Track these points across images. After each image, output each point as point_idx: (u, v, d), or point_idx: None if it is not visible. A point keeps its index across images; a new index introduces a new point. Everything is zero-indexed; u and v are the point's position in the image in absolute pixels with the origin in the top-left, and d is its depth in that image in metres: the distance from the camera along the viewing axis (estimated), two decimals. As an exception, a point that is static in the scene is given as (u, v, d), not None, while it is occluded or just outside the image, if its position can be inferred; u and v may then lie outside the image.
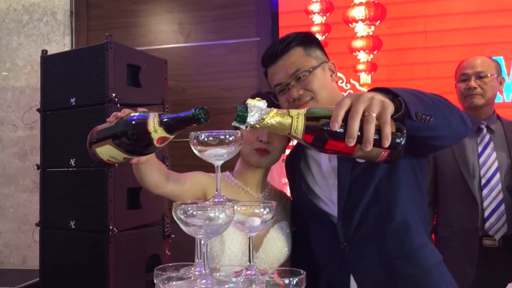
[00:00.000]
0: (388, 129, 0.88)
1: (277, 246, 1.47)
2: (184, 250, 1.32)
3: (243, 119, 0.90)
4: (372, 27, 3.28)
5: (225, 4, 3.60)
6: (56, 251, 2.74)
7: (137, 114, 1.08)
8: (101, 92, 2.57)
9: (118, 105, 2.56)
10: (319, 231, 1.48)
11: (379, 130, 0.88)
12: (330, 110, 0.90)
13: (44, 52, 2.89)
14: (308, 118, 0.91)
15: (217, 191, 0.99)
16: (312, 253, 1.50)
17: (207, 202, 0.97)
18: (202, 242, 0.93)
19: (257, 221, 0.97)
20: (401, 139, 0.91)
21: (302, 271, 0.98)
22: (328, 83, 1.48)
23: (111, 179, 2.54)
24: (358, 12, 3.31)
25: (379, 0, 3.28)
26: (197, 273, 0.96)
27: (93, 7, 3.85)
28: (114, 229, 2.52)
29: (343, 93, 1.69)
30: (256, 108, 0.89)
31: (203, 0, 3.65)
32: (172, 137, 1.05)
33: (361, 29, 3.29)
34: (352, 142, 0.86)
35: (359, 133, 0.87)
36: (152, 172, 1.33)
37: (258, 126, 0.90)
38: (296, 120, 0.90)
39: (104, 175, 2.54)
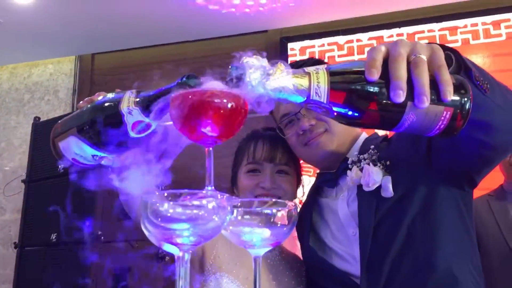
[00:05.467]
0: (447, 75, 0.60)
1: (292, 318, 1.09)
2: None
3: (239, 81, 0.61)
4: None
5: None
6: None
7: (112, 95, 0.82)
8: (93, 157, 2.30)
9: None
10: None
11: (433, 82, 0.60)
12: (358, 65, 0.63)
13: (36, 119, 2.68)
14: (332, 73, 0.62)
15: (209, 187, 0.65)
16: None
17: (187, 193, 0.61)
18: (180, 254, 0.58)
19: (266, 232, 0.63)
20: (466, 98, 0.62)
21: None
22: None
23: (94, 256, 2.17)
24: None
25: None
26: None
27: (97, 84, 3.73)
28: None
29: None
30: (256, 65, 0.61)
31: (209, 64, 3.51)
32: (153, 125, 0.75)
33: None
34: (401, 96, 0.59)
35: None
36: None
37: (262, 89, 0.61)
38: (315, 76, 0.62)
39: (86, 252, 2.19)
